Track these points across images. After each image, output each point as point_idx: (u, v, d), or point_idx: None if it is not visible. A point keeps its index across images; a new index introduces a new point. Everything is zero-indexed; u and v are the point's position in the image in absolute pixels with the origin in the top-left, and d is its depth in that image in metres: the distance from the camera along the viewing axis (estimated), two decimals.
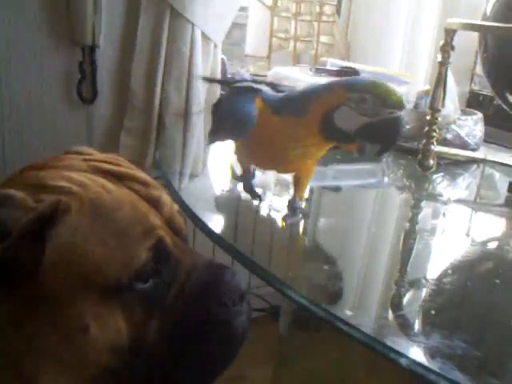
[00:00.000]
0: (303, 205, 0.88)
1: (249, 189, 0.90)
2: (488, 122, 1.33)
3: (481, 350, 0.56)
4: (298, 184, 0.86)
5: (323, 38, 1.71)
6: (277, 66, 1.56)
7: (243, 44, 1.71)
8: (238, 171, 0.94)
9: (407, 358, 0.52)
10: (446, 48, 1.02)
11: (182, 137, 1.38)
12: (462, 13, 1.41)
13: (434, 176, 1.17)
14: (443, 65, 1.04)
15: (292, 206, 0.86)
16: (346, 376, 1.67)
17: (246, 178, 0.91)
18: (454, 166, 1.20)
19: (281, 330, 1.42)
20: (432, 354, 0.54)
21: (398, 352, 0.53)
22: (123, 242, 0.45)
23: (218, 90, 1.48)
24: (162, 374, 0.48)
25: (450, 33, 1.00)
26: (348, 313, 0.59)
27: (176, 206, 0.54)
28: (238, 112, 0.80)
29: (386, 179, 1.22)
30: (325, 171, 1.19)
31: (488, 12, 1.04)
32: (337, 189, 1.15)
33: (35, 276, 0.43)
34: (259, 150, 0.82)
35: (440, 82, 1.04)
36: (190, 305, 0.48)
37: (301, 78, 1.33)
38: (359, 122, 0.71)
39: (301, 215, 0.87)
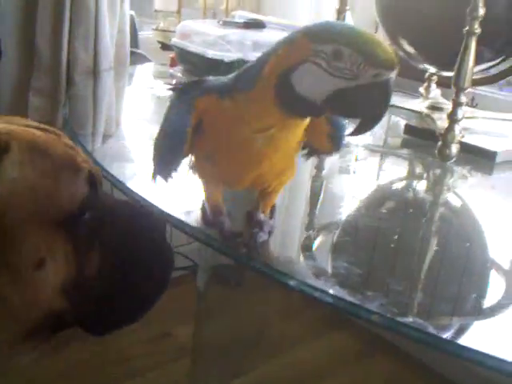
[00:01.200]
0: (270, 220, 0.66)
1: (228, 235, 0.63)
2: None
3: (363, 269, 0.61)
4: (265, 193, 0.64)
5: None
6: (188, 20, 1.56)
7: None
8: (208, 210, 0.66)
9: (295, 279, 0.57)
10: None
11: (92, 95, 1.37)
12: None
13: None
14: (341, 12, 1.08)
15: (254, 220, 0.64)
16: (264, 327, 1.74)
17: (220, 220, 0.64)
18: None
19: (199, 286, 1.46)
20: (317, 274, 0.59)
21: (286, 275, 0.57)
22: (63, 176, 0.47)
23: (128, 45, 1.47)
24: (98, 312, 0.49)
25: None
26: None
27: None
28: (166, 134, 0.61)
29: None
30: None
31: None
32: None
33: None
34: (220, 156, 0.59)
35: None
36: (122, 238, 0.51)
37: (208, 31, 1.34)
38: (330, 87, 0.50)
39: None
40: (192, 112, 0.58)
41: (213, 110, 0.57)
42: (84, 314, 0.49)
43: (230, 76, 0.60)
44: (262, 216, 0.64)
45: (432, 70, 1.14)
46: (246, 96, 0.55)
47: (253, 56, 1.30)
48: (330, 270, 0.62)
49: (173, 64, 1.47)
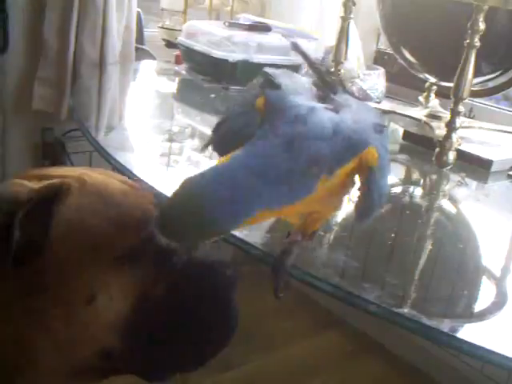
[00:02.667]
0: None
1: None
2: (392, 79, 1.42)
3: (360, 263, 0.63)
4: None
5: None
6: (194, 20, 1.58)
7: None
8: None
9: (298, 269, 0.59)
10: (348, 3, 1.08)
11: (97, 88, 1.39)
12: None
13: None
14: (345, 20, 1.10)
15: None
16: (258, 323, 1.76)
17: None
18: None
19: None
20: (318, 266, 0.61)
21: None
22: (125, 220, 0.48)
23: (133, 41, 1.49)
24: (150, 356, 0.49)
25: None
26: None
27: None
28: None
29: None
30: None
31: None
32: None
33: (43, 250, 0.45)
34: None
35: (342, 35, 1.11)
36: (191, 277, 0.51)
37: (214, 31, 1.37)
38: None
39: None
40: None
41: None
42: (135, 357, 0.49)
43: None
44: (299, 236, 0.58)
45: (432, 79, 1.17)
46: None
47: (257, 58, 1.33)
48: (330, 263, 0.64)
49: (178, 62, 1.50)
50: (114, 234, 0.47)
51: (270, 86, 0.53)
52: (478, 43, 0.90)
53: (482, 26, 0.89)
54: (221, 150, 0.54)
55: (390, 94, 1.42)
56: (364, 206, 0.51)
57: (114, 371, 0.50)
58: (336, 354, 1.71)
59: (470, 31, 0.90)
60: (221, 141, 0.56)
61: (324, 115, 0.49)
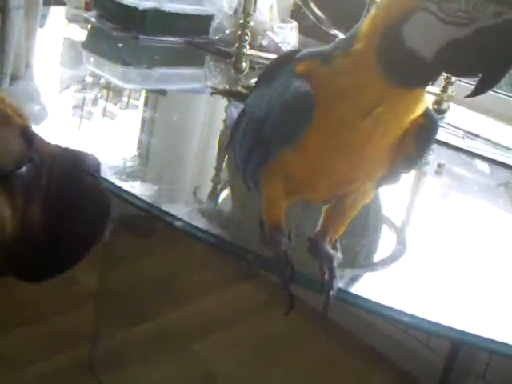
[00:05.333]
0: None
1: (281, 256, 0.52)
2: (307, 32, 1.43)
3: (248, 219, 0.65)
4: (340, 207, 0.54)
5: None
6: None
7: None
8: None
9: (182, 220, 0.60)
10: None
11: None
12: None
13: (252, 80, 1.25)
14: None
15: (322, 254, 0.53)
16: (172, 276, 1.78)
17: (278, 239, 0.53)
18: None
19: (105, 234, 1.47)
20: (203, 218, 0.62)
21: (173, 216, 0.60)
22: None
23: None
24: (44, 257, 0.50)
25: None
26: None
27: None
28: (284, 105, 0.49)
29: (208, 83, 1.28)
30: (149, 73, 1.23)
31: None
32: (162, 92, 1.19)
33: None
34: (313, 140, 0.48)
35: None
36: (63, 183, 0.50)
37: None
38: (443, 38, 0.42)
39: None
40: (302, 78, 0.48)
41: (313, 80, 0.48)
42: (21, 262, 0.50)
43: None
44: (330, 249, 0.54)
45: (341, 35, 1.18)
46: (342, 60, 0.46)
47: (168, 6, 1.30)
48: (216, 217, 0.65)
49: (87, 8, 1.44)
50: None
51: None
52: None
53: None
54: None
55: (302, 47, 1.43)
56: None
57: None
58: (252, 305, 1.75)
59: None
60: None
61: None
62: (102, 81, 1.17)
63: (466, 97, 0.47)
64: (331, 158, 0.49)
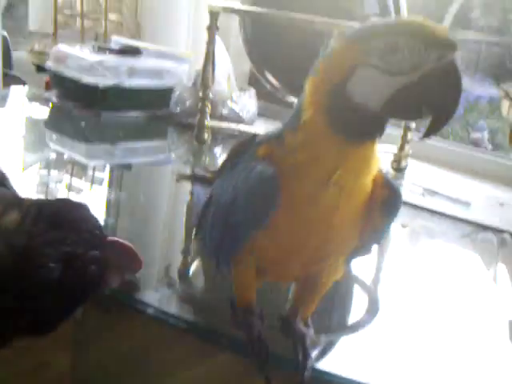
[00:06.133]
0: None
1: (254, 339, 0.53)
2: (266, 98, 1.46)
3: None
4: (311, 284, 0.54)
5: (113, 16, 1.72)
6: (65, 43, 1.55)
7: (27, 19, 1.66)
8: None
9: (153, 307, 0.60)
10: (212, 29, 1.11)
11: None
12: None
13: (215, 149, 1.27)
14: (210, 44, 1.13)
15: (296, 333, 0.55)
16: (145, 353, 1.73)
17: (250, 322, 0.54)
18: (231, 140, 1.31)
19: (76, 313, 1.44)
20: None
21: (144, 303, 0.60)
22: None
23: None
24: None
25: (214, 15, 1.09)
26: None
27: None
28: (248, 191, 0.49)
29: (172, 155, 1.29)
30: (113, 149, 1.24)
31: None
32: (127, 166, 1.20)
33: None
34: (281, 219, 0.49)
35: (208, 60, 1.13)
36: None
37: (83, 56, 1.34)
38: (389, 89, 0.43)
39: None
40: (263, 161, 0.49)
41: (274, 162, 0.48)
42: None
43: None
44: (302, 327, 0.54)
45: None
46: (295, 136, 0.47)
47: (129, 82, 1.33)
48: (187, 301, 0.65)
49: (48, 88, 1.46)
50: None
51: None
52: None
53: None
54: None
55: (263, 112, 1.47)
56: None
57: None
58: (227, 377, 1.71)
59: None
60: None
61: None
62: (65, 156, 1.18)
63: (419, 139, 0.49)
64: (302, 235, 0.49)
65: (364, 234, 0.51)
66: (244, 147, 0.54)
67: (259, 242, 0.50)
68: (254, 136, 0.54)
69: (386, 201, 0.50)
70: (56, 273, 0.49)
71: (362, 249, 0.53)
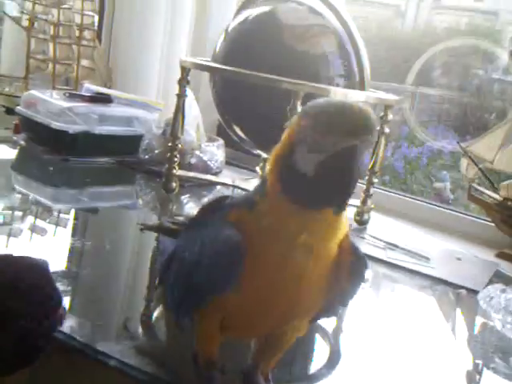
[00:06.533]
0: None
1: None
2: (234, 146, 1.49)
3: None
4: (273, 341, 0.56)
5: (85, 62, 1.74)
6: (37, 87, 1.56)
7: None
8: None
9: (115, 359, 0.60)
10: (183, 82, 1.14)
11: None
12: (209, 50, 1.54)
13: (182, 197, 1.29)
14: (180, 97, 1.16)
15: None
16: None
17: (211, 375, 0.55)
18: (198, 188, 1.33)
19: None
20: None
21: (107, 355, 0.60)
22: None
23: None
24: None
25: (184, 69, 1.13)
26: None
27: None
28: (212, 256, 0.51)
29: (139, 201, 1.30)
30: (79, 193, 1.24)
31: (217, 50, 1.19)
32: (93, 210, 1.20)
33: None
34: (249, 283, 0.50)
35: (178, 112, 1.16)
36: None
37: (54, 101, 1.36)
38: (314, 161, 0.48)
39: None
40: (232, 226, 0.50)
41: (243, 227, 0.50)
42: None
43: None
44: (263, 381, 0.56)
45: (264, 155, 1.25)
46: (262, 202, 0.50)
47: (99, 129, 1.35)
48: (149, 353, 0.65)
49: (17, 130, 1.46)
50: None
51: None
52: None
53: (299, 109, 0.98)
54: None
55: (232, 160, 1.50)
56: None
57: None
58: None
59: (288, 114, 0.99)
60: None
61: None
62: (30, 197, 1.17)
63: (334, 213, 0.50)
64: (268, 299, 0.50)
65: (330, 296, 0.53)
66: (214, 207, 0.55)
67: (224, 303, 0.51)
68: (226, 197, 0.56)
69: (352, 267, 0.52)
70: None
71: (327, 311, 0.55)
